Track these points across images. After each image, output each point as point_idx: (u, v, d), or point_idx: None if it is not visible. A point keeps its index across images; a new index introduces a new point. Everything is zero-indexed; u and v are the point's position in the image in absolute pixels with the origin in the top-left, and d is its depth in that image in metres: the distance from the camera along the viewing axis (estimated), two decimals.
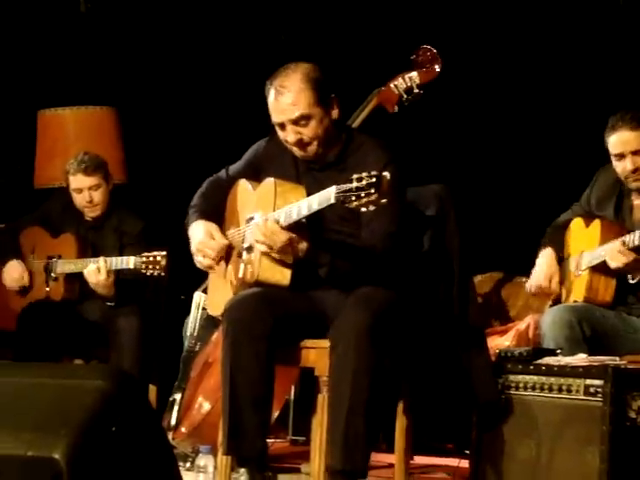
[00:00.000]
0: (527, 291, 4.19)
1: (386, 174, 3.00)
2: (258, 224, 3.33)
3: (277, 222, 3.28)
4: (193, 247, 3.57)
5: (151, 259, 4.62)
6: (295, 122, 3.40)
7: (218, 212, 3.63)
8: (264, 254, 3.36)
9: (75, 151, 5.16)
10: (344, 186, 3.04)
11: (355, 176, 3.01)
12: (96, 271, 4.70)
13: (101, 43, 5.98)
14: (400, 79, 4.54)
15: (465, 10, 5.46)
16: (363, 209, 3.02)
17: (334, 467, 3.25)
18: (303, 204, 3.26)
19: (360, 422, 3.23)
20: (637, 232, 3.75)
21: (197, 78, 5.95)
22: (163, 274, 4.62)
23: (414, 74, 4.51)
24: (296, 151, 3.47)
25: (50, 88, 5.88)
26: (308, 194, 3.34)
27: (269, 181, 3.45)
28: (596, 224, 3.99)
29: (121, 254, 4.84)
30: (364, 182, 2.99)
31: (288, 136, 3.43)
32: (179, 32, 5.95)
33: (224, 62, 5.91)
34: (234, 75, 5.87)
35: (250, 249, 3.45)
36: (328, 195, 3.12)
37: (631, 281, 3.84)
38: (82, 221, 5.00)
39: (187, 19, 5.96)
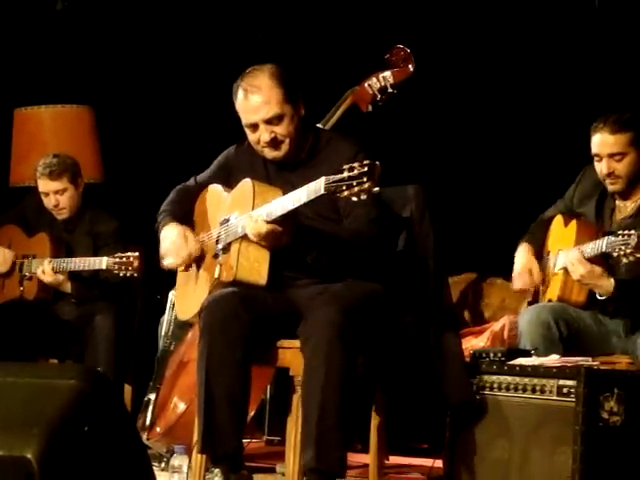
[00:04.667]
0: (513, 289, 4.19)
1: (377, 163, 3.00)
2: (248, 219, 3.30)
3: (263, 219, 3.26)
4: (163, 247, 3.55)
5: (124, 260, 4.61)
6: (268, 121, 3.41)
7: (187, 218, 3.63)
8: (242, 253, 3.35)
9: (51, 150, 5.15)
10: (334, 177, 3.04)
11: (346, 166, 3.01)
12: (45, 275, 4.72)
13: (77, 41, 5.96)
14: (374, 79, 4.55)
15: (439, 10, 5.48)
16: (354, 198, 3.01)
17: (308, 465, 3.25)
18: (287, 199, 3.24)
19: (333, 419, 3.23)
20: (600, 241, 3.76)
21: (173, 77, 5.94)
22: (136, 275, 4.61)
23: (388, 74, 4.53)
24: (267, 152, 3.47)
25: (26, 86, 5.86)
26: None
27: (246, 182, 3.44)
28: (573, 224, 4.00)
29: (95, 256, 4.83)
30: (356, 171, 2.99)
31: (261, 136, 3.43)
32: (156, 31, 5.94)
33: (200, 61, 5.91)
34: (210, 74, 5.86)
35: (226, 249, 3.44)
36: (317, 187, 3.11)
37: (599, 297, 3.85)
38: (55, 222, 4.99)
39: (164, 18, 5.95)
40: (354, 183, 2.99)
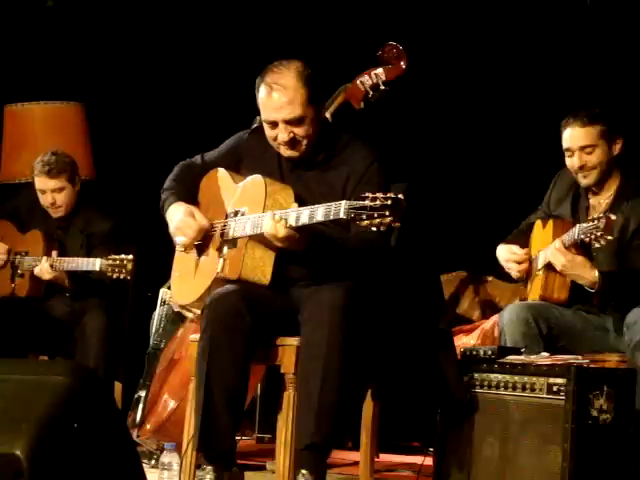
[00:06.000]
0: (516, 279, 4.19)
1: (401, 197, 2.99)
2: (267, 218, 3.27)
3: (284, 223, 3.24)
4: (172, 226, 3.51)
5: (117, 262, 4.61)
6: (289, 122, 3.38)
7: (192, 197, 3.59)
8: (247, 252, 3.34)
9: (42, 147, 5.14)
10: (356, 203, 3.02)
11: (369, 195, 3.00)
12: (42, 272, 4.71)
13: (68, 38, 5.95)
14: (366, 75, 4.54)
15: (431, 7, 5.48)
16: (374, 229, 3.01)
17: (306, 440, 3.22)
18: (303, 212, 3.23)
19: (333, 394, 3.21)
20: (573, 229, 3.79)
21: (165, 73, 5.93)
22: (129, 278, 4.61)
23: (380, 70, 4.52)
24: (284, 150, 3.44)
25: (17, 83, 5.84)
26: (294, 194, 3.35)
27: (258, 179, 3.42)
28: (550, 224, 4.04)
29: (88, 254, 4.82)
30: (378, 202, 2.98)
31: (280, 135, 3.40)
32: (147, 27, 5.93)
33: (192, 58, 5.90)
34: (202, 71, 5.85)
35: (232, 245, 3.42)
36: (337, 210, 3.09)
37: (589, 289, 3.86)
38: (49, 220, 4.97)
39: (154, 15, 5.94)
40: (375, 215, 2.98)
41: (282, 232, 3.24)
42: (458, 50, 5.43)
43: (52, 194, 4.88)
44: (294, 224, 3.23)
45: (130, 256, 4.60)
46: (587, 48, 5.24)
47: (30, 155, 5.12)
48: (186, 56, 5.90)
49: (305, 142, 3.41)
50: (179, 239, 3.53)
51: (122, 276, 4.60)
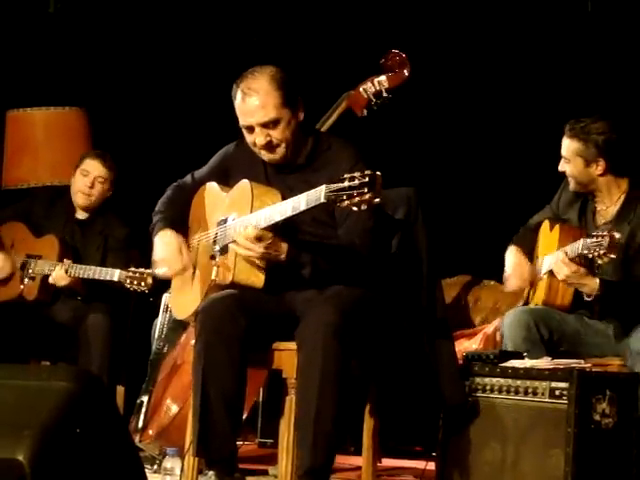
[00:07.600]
0: (506, 290, 4.21)
1: (379, 173, 3.00)
2: (238, 230, 3.30)
3: (257, 227, 3.25)
4: (158, 256, 3.53)
5: (137, 275, 4.62)
6: (264, 125, 3.41)
7: (183, 218, 3.62)
8: (239, 256, 3.34)
9: (44, 152, 5.14)
10: (335, 185, 3.03)
11: (347, 175, 3.01)
12: (58, 278, 4.70)
13: (70, 43, 5.95)
14: (369, 83, 4.55)
15: (434, 15, 5.49)
16: (354, 208, 3.01)
17: (302, 469, 3.24)
18: (286, 205, 3.24)
19: (328, 422, 3.22)
20: (578, 242, 3.79)
21: (168, 78, 5.94)
22: (147, 291, 4.62)
23: (383, 78, 4.52)
24: (264, 154, 3.47)
25: (19, 88, 5.85)
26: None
27: (244, 183, 3.44)
28: (556, 229, 4.05)
29: (104, 257, 4.83)
30: (357, 181, 2.99)
31: (257, 139, 3.43)
32: (149, 33, 5.94)
33: (195, 62, 5.91)
34: (205, 75, 5.86)
35: (224, 251, 3.43)
36: (317, 195, 3.10)
37: (587, 298, 3.87)
38: (70, 219, 4.97)
39: (158, 20, 5.95)
40: (354, 193, 2.99)
41: (252, 232, 3.23)
42: (461, 58, 5.44)
43: (95, 180, 4.89)
44: (279, 219, 3.24)
45: (150, 270, 4.60)
46: (588, 54, 5.25)
47: (31, 160, 5.11)
48: (189, 60, 5.91)
49: (283, 145, 3.44)
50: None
51: (140, 289, 4.63)
